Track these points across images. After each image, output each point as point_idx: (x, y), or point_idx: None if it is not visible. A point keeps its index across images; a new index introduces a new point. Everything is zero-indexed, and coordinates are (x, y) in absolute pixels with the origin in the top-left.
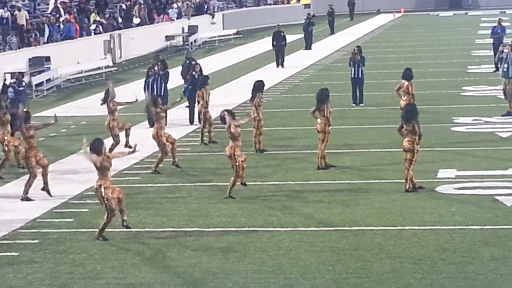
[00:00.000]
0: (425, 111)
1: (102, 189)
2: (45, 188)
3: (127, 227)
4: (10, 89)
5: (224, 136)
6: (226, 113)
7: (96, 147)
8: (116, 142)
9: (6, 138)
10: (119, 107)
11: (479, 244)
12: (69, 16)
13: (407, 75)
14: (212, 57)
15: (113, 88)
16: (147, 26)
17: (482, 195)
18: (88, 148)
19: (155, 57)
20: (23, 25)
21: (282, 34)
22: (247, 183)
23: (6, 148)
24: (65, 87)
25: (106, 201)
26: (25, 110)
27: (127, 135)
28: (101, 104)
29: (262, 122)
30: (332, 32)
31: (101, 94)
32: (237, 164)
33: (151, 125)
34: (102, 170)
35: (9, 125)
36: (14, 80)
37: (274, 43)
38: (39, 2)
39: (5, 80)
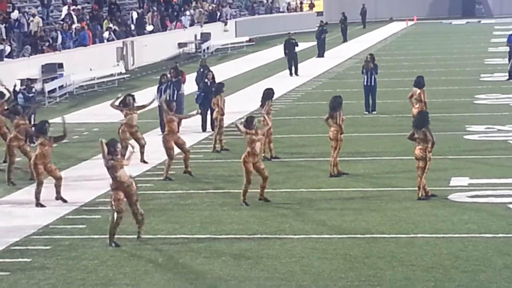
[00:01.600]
0: (437, 119)
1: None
2: (58, 197)
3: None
4: (20, 96)
5: (236, 143)
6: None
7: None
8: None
9: (15, 143)
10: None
11: (491, 253)
12: (82, 23)
13: (419, 82)
14: (224, 64)
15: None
16: (159, 33)
17: (495, 203)
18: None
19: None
20: (36, 31)
21: (293, 41)
22: (257, 190)
23: (15, 153)
24: (77, 94)
25: (113, 202)
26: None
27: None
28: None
29: (271, 130)
30: (345, 40)
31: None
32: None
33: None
34: (111, 171)
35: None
36: (23, 86)
37: (286, 51)
38: (52, 9)
39: (15, 86)
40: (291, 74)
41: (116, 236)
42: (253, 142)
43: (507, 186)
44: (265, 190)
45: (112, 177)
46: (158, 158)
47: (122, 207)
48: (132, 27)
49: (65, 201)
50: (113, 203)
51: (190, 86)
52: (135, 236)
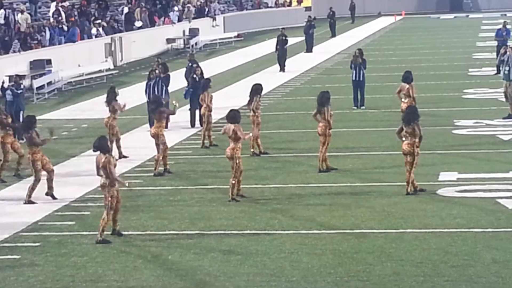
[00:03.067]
0: (426, 113)
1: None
2: (49, 193)
3: (119, 234)
4: (8, 92)
5: (225, 139)
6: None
7: (103, 146)
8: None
9: (8, 141)
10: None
11: (480, 247)
12: (70, 19)
13: (407, 78)
14: (213, 60)
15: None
16: (148, 29)
17: (483, 198)
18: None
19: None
20: (24, 28)
21: (284, 38)
22: (247, 186)
23: (6, 150)
24: (66, 90)
25: (110, 198)
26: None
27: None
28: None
29: (260, 126)
30: (333, 35)
31: (102, 97)
32: (237, 165)
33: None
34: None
35: (9, 128)
36: (12, 83)
37: (278, 47)
38: (40, 5)
39: (3, 82)
40: (281, 70)
41: (105, 232)
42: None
43: (495, 181)
44: (255, 186)
45: (109, 174)
46: (147, 154)
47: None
48: (122, 23)
49: (54, 198)
50: (109, 199)
51: (179, 82)
52: (126, 232)
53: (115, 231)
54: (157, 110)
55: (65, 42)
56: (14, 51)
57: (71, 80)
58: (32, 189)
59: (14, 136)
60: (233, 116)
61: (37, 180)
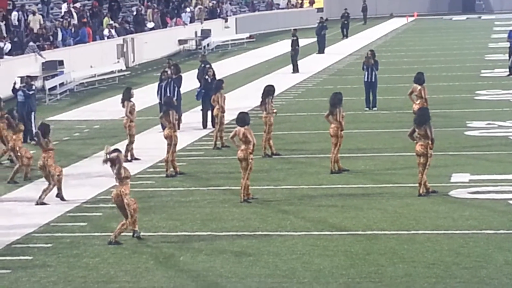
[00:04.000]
0: (438, 115)
1: (124, 195)
2: (59, 195)
3: (138, 237)
4: (20, 93)
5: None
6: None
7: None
8: (131, 142)
9: (19, 146)
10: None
11: (492, 249)
12: (82, 20)
13: (419, 79)
14: (225, 61)
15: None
16: (160, 30)
17: (495, 200)
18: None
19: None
20: (38, 29)
21: (296, 39)
22: (259, 187)
23: (19, 154)
24: (78, 91)
25: (127, 207)
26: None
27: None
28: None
29: (272, 127)
30: (346, 36)
31: (116, 98)
32: (249, 167)
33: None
34: (124, 178)
35: (21, 134)
36: (23, 84)
37: (293, 48)
38: (52, 6)
39: (15, 83)
40: (294, 71)
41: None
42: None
43: (508, 182)
44: (267, 187)
45: (122, 172)
46: (159, 156)
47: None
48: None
49: (63, 199)
50: (128, 207)
51: (190, 83)
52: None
53: (135, 232)
54: (167, 112)
55: (76, 43)
56: (33, 51)
57: (83, 81)
58: (46, 193)
59: (24, 141)
60: (242, 118)
61: (52, 185)
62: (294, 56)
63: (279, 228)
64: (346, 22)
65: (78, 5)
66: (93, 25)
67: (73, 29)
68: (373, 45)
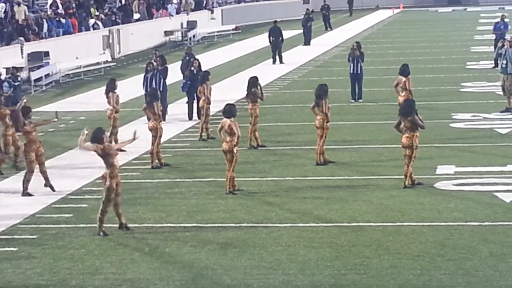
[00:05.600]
0: (423, 107)
1: (108, 178)
2: (47, 184)
3: (127, 228)
4: (5, 84)
5: None
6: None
7: (96, 136)
8: (114, 133)
9: (9, 133)
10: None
11: (477, 241)
12: (68, 11)
13: (404, 71)
14: (211, 52)
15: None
16: (146, 21)
17: (480, 192)
18: (83, 137)
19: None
20: (23, 20)
21: (279, 29)
22: (244, 178)
23: (6, 142)
24: (64, 82)
25: (107, 190)
26: (24, 104)
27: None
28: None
29: (257, 119)
30: (328, 28)
31: (102, 89)
32: (235, 159)
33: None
34: (107, 158)
35: (8, 119)
36: (9, 75)
37: (272, 39)
38: None
39: (0, 74)
40: (274, 62)
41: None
42: None
43: (493, 174)
44: (253, 179)
45: (109, 165)
46: (145, 147)
47: (111, 198)
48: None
49: (53, 189)
50: (107, 191)
51: (176, 74)
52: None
53: (122, 225)
54: (151, 103)
55: (62, 34)
56: (18, 43)
57: (69, 72)
58: (26, 181)
59: (16, 130)
60: (229, 110)
61: (29, 171)
62: (279, 47)
63: (264, 219)
64: (326, 13)
65: None
66: (79, 16)
67: (62, 20)
68: (359, 36)
